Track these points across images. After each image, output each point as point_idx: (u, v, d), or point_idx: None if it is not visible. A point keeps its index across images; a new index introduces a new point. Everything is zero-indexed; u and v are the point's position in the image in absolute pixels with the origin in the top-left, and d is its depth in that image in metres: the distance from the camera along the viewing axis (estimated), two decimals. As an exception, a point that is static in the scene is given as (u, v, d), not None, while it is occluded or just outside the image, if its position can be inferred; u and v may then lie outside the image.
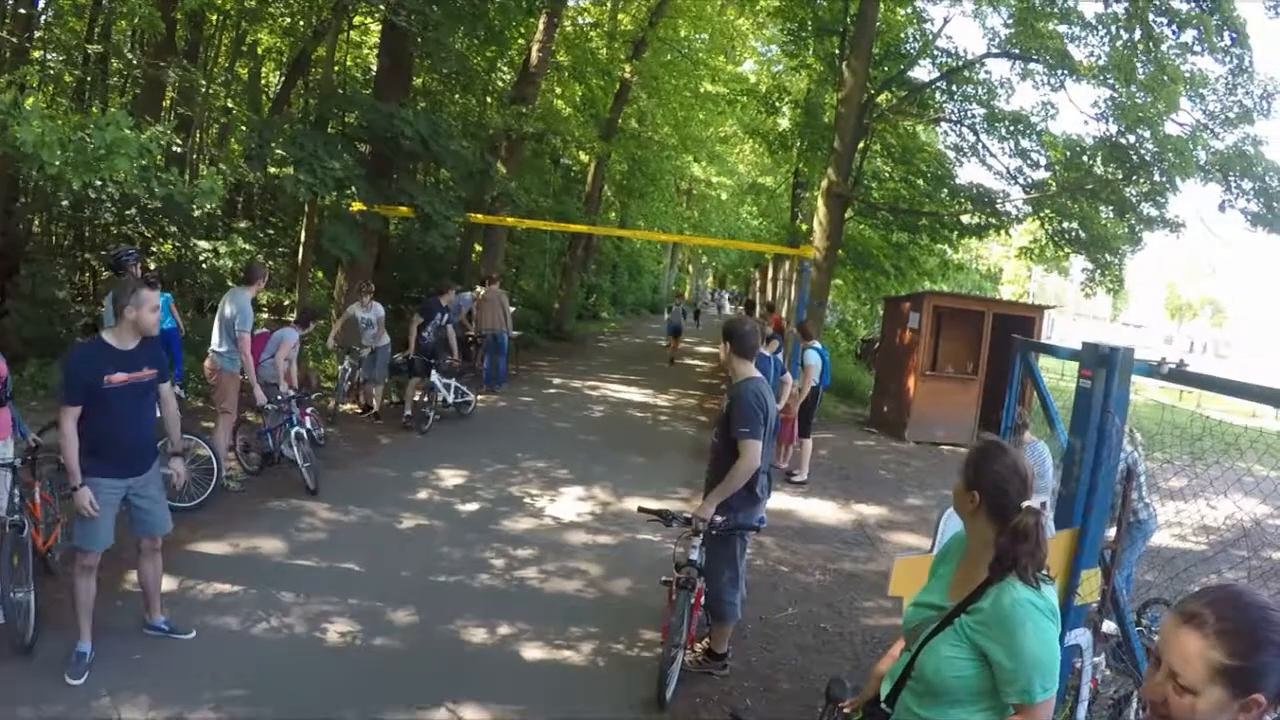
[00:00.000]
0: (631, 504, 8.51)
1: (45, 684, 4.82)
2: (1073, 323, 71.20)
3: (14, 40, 12.58)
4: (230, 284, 16.03)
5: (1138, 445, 4.34)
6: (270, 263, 18.08)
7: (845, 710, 3.26)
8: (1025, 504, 2.56)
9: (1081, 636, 4.34)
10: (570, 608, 6.69)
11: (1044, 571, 2.55)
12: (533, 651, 5.90)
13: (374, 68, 19.86)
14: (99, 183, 8.32)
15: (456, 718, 4.97)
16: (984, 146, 19.30)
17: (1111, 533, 4.74)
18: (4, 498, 5.27)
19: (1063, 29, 16.97)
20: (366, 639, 5.82)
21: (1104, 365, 4.21)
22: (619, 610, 6.68)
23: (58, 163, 7.57)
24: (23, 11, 13.23)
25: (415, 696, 5.13)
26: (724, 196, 42.69)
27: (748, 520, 5.54)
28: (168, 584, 6.29)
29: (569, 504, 9.50)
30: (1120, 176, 16.89)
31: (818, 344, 12.30)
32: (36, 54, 15.12)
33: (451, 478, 10.09)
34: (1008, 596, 2.48)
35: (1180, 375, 4.01)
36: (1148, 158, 16.10)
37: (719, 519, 5.39)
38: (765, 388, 5.51)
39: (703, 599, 5.66)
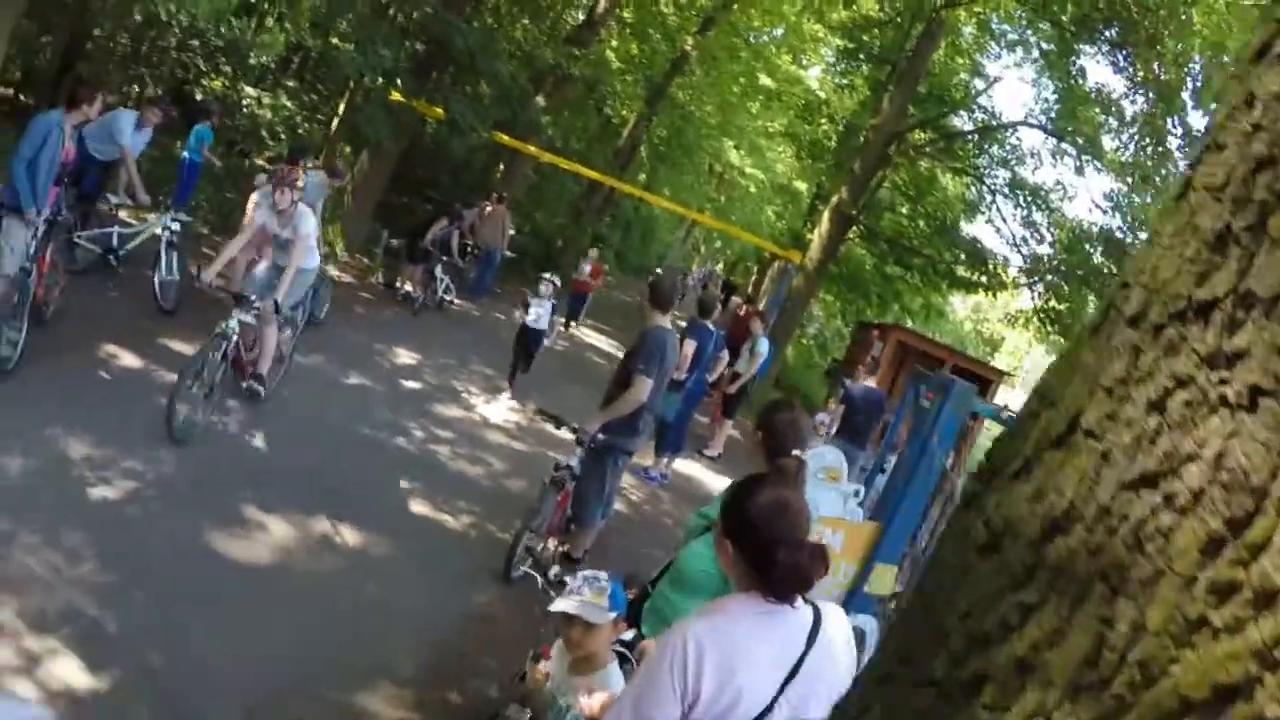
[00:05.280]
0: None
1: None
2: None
3: None
4: (263, 134, 16.88)
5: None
6: (306, 125, 18.80)
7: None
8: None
9: (867, 623, 5.16)
10: (463, 486, 7.63)
11: None
12: (418, 506, 6.86)
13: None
14: (173, 8, 8.99)
15: (335, 531, 5.92)
16: (997, 208, 20.00)
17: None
18: (26, 249, 6.22)
19: (1099, 117, 17.65)
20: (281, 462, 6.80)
21: (943, 393, 5.11)
22: (504, 502, 7.55)
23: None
24: None
25: (309, 506, 6.07)
26: (753, 189, 42.69)
27: (624, 446, 6.44)
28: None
29: (499, 409, 10.36)
30: (1114, 272, 17.58)
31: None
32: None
33: (405, 357, 11.03)
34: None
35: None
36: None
37: (600, 436, 6.25)
38: (672, 339, 6.34)
39: (569, 501, 6.51)
